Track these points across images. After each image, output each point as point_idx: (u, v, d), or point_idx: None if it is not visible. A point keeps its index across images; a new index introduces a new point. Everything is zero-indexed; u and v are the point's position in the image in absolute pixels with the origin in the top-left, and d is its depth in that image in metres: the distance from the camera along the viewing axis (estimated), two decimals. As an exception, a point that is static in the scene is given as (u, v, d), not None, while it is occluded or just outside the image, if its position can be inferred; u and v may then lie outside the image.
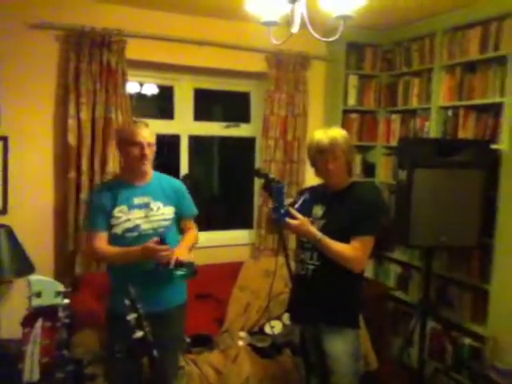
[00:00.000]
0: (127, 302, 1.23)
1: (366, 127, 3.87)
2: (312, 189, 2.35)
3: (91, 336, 2.61)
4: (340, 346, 2.16)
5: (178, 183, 2.40)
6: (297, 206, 2.13)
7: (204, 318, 3.17)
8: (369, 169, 3.91)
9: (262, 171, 2.14)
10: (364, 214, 2.09)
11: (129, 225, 2.17)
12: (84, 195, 3.07)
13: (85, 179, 3.07)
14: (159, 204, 2.23)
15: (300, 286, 2.22)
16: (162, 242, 2.06)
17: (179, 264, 2.09)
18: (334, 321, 2.17)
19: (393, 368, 2.99)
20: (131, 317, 1.20)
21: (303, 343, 2.10)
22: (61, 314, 1.21)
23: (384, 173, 3.85)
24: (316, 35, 2.06)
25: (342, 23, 2.00)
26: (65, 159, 3.08)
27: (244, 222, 4.00)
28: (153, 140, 2.22)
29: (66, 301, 1.25)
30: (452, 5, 3.03)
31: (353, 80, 3.78)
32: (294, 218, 2.03)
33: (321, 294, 2.17)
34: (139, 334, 1.19)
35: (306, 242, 2.19)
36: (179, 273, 2.10)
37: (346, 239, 2.09)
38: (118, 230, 2.17)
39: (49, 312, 1.21)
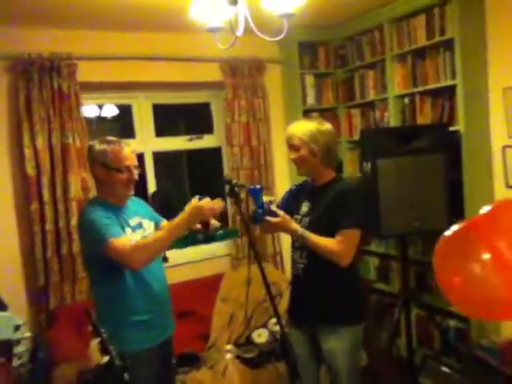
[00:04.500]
0: (90, 328, 1.18)
1: (328, 125, 3.88)
2: (300, 185, 2.32)
3: (71, 369, 2.51)
4: (337, 344, 2.12)
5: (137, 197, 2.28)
6: (280, 203, 2.14)
7: (188, 336, 3.10)
8: (336, 165, 3.92)
9: (226, 178, 2.11)
10: (344, 208, 2.06)
11: None
12: (49, 226, 2.98)
13: (48, 209, 2.99)
14: (147, 221, 2.14)
15: (295, 287, 2.24)
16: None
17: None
18: (329, 319, 2.14)
19: (383, 361, 2.97)
20: (95, 342, 1.15)
21: (288, 347, 2.05)
22: (22, 348, 1.15)
23: (351, 167, 3.87)
24: (262, 35, 2.05)
25: (285, 22, 2.01)
26: (25, 190, 3.00)
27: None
28: (137, 161, 2.05)
29: (27, 334, 1.19)
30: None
31: (309, 79, 3.81)
32: (275, 215, 2.01)
33: (313, 292, 2.15)
34: (105, 359, 1.13)
35: (295, 240, 2.18)
36: (221, 232, 2.04)
37: (331, 234, 2.05)
38: None
39: (3, 347, 1.14)
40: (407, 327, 3.00)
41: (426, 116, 3.16)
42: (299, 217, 2.17)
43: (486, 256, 0.96)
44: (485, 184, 2.94)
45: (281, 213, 2.02)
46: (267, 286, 1.94)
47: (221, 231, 2.04)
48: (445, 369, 3.11)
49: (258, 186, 2.04)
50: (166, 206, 3.76)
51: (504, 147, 2.85)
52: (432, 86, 3.10)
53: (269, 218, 2.00)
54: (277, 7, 1.91)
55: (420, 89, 3.19)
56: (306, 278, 2.16)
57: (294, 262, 2.23)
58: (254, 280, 2.21)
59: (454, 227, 1.09)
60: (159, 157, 3.76)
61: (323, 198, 2.12)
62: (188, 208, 1.90)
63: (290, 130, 2.18)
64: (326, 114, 3.90)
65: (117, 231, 1.89)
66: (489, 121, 2.92)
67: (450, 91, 2.98)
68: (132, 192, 2.05)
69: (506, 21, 2.78)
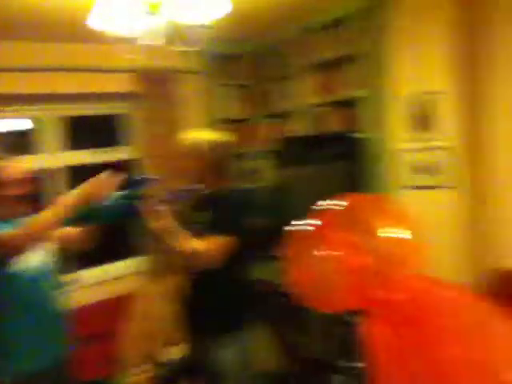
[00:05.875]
0: None
1: (244, 135, 3.92)
2: (189, 191, 2.26)
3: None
4: (225, 355, 2.10)
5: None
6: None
7: (100, 361, 2.92)
8: (252, 175, 3.97)
9: (138, 177, 2.06)
10: (221, 216, 2.06)
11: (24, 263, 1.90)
12: None
13: None
14: None
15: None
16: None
17: None
18: (211, 329, 2.12)
19: (302, 363, 3.00)
20: None
21: (191, 362, 2.02)
22: None
23: (266, 176, 3.90)
24: (176, 46, 2.05)
25: (202, 33, 2.03)
26: None
27: (129, 249, 3.80)
28: (24, 176, 1.97)
29: None
30: (303, 11, 3.21)
31: (225, 91, 3.85)
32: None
33: (198, 303, 2.13)
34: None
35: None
36: (122, 193, 1.96)
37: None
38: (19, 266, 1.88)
39: None
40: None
41: (334, 125, 3.32)
42: (189, 225, 2.11)
43: (324, 252, 1.01)
44: (387, 186, 3.08)
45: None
46: (177, 300, 1.91)
47: (121, 193, 1.98)
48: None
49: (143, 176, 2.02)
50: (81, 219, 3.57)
51: (402, 150, 3.03)
52: (340, 96, 3.28)
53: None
54: (192, 19, 1.94)
55: (328, 99, 3.35)
56: (192, 290, 2.16)
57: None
58: (168, 294, 2.17)
59: (297, 223, 1.13)
60: (77, 171, 3.55)
61: (210, 208, 2.12)
62: (90, 185, 1.92)
63: (186, 139, 2.17)
64: (243, 124, 3.96)
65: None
66: (390, 127, 3.08)
67: (357, 101, 3.16)
68: (22, 208, 1.96)
69: (404, 36, 2.98)
